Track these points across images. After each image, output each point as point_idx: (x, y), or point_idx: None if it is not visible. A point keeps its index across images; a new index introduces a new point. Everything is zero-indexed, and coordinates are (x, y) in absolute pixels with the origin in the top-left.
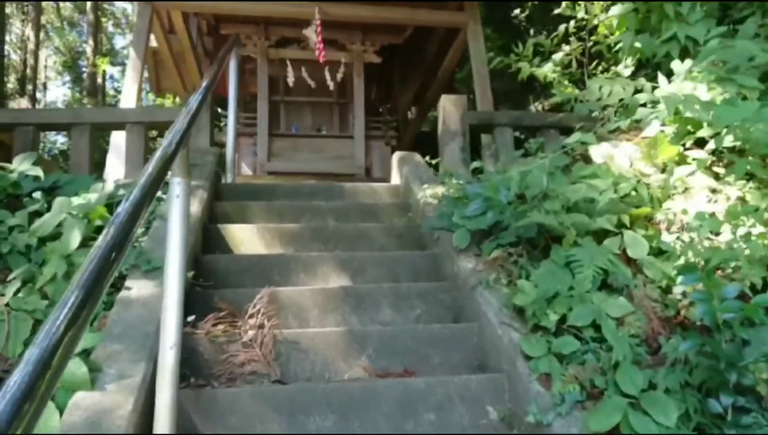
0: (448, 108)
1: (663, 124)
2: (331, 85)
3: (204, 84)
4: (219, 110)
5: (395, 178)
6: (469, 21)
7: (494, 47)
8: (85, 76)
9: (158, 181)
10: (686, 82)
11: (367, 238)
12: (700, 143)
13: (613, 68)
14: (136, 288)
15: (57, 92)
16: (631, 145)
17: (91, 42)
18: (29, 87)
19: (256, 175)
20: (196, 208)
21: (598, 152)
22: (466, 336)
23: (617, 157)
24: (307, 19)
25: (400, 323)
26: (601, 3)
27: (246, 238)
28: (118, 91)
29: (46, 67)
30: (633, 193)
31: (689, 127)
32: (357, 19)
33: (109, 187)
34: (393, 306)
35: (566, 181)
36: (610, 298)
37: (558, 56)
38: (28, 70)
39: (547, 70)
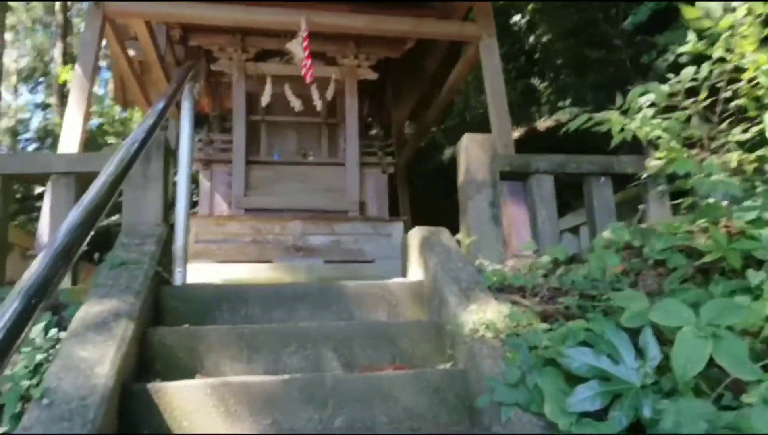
0: (473, 151)
1: None
2: (318, 103)
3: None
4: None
5: (415, 270)
6: (482, 34)
7: None
8: (53, 82)
9: None
10: None
11: (387, 399)
12: None
13: (753, 128)
14: None
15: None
16: None
17: (59, 44)
18: None
19: (231, 212)
20: (107, 365)
21: None
22: None
23: None
24: (291, 30)
25: None
26: (751, 38)
27: (194, 408)
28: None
29: (17, 70)
30: None
31: None
32: (351, 31)
33: None
34: None
35: None
36: None
37: (644, 96)
38: None
39: (653, 127)
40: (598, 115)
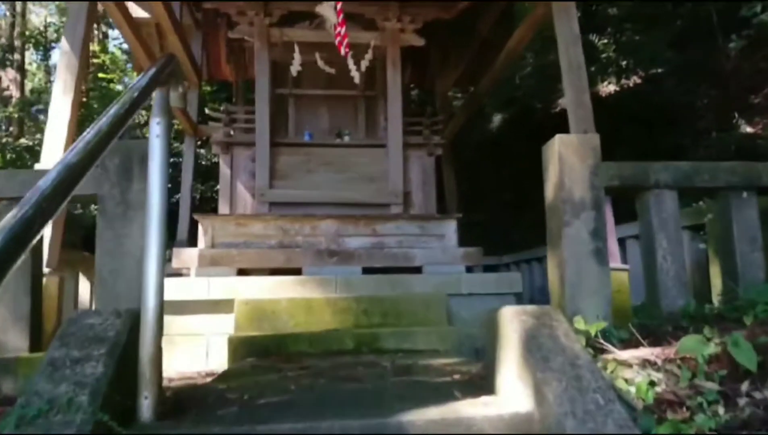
0: (569, 158)
1: None
2: (355, 74)
3: None
4: (206, 111)
5: (515, 387)
6: None
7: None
8: None
9: None
10: None
11: None
12: None
13: None
14: None
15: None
16: None
17: None
18: (17, 56)
19: (255, 205)
20: None
21: None
22: None
23: None
24: None
25: None
26: None
27: None
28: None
29: (47, 29)
30: None
31: None
32: None
33: None
34: None
35: None
36: None
37: None
38: (15, 37)
39: None
40: None
